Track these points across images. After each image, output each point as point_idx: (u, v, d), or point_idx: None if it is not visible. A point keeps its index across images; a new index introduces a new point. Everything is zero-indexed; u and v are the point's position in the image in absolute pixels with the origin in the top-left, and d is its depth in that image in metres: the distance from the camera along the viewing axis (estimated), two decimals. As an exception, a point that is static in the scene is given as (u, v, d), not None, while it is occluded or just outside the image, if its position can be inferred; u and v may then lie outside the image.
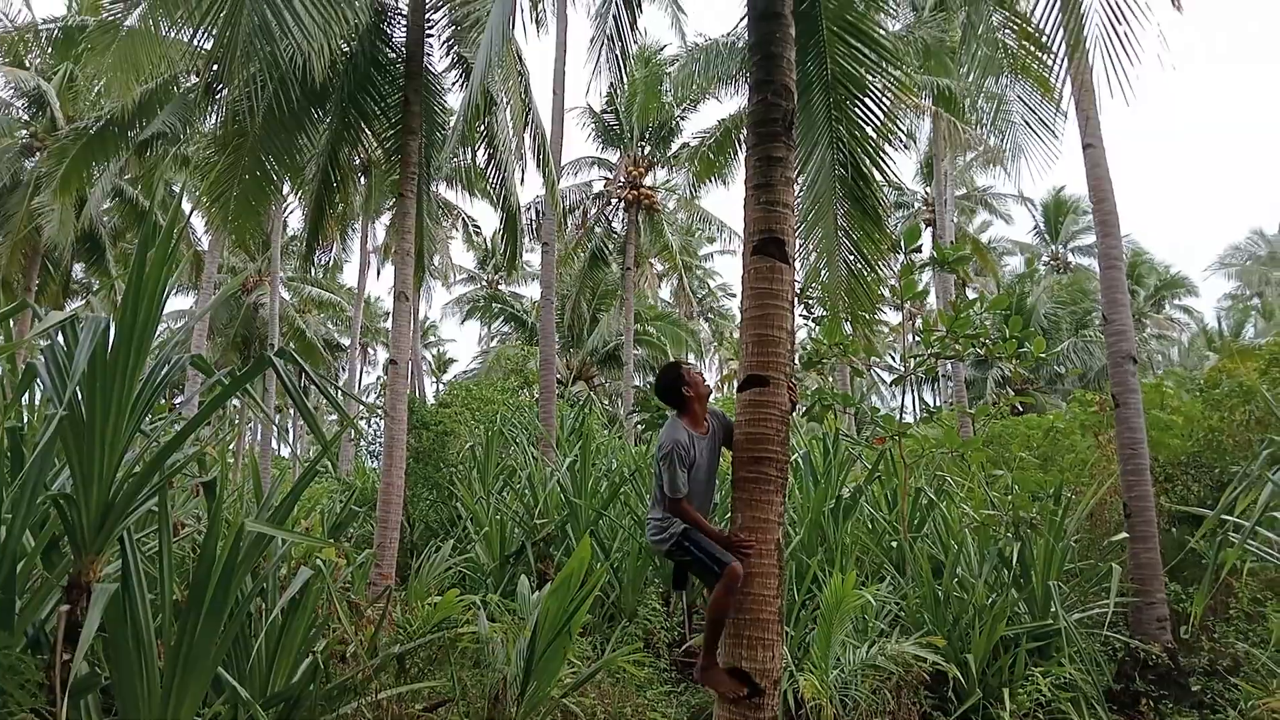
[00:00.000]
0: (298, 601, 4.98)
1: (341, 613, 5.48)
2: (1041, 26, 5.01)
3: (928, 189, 32.14)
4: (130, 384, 4.05)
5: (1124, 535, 9.07)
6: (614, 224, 28.49)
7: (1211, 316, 37.97)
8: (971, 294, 34.74)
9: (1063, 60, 4.91)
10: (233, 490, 10.27)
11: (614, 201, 27.91)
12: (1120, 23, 3.88)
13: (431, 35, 11.13)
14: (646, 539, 4.86)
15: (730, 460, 4.66)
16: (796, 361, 8.84)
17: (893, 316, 28.48)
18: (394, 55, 11.06)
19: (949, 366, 23.54)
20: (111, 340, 4.02)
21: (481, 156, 12.36)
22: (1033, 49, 6.58)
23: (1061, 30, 4.75)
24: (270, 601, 4.97)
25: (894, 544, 9.36)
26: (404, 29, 10.87)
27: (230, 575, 4.02)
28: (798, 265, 7.02)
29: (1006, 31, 6.90)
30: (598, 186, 28.60)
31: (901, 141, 8.08)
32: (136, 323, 4.03)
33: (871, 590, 7.69)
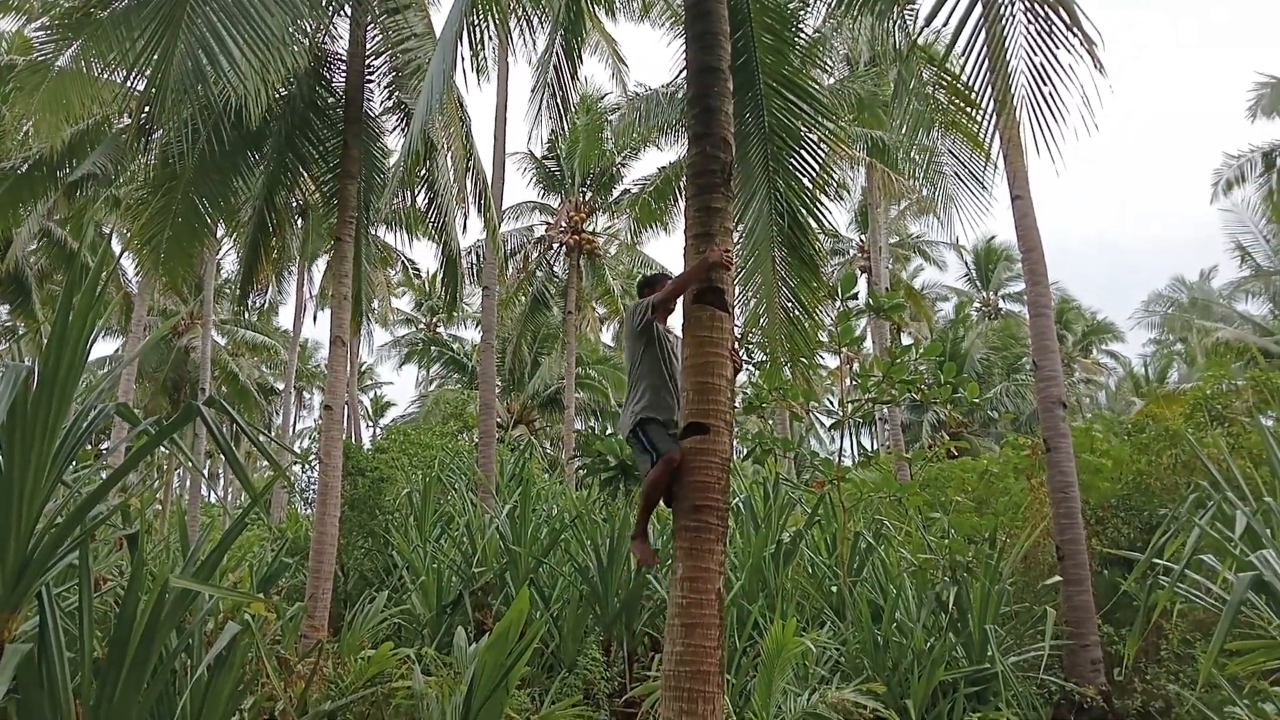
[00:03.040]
0: (224, 658, 4.81)
1: (270, 669, 5.31)
2: (970, 84, 5.17)
3: (863, 236, 32.79)
4: (52, 434, 3.91)
5: (1058, 579, 9.21)
6: (556, 268, 28.52)
7: (1137, 361, 39.11)
8: (906, 339, 35.43)
9: (991, 116, 5.05)
10: (159, 541, 9.96)
11: (556, 246, 27.97)
12: (1045, 84, 4.03)
13: (372, 81, 11.12)
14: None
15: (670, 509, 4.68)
16: (738, 404, 8.90)
17: (830, 360, 28.88)
18: (333, 100, 11.02)
19: (885, 411, 23.87)
20: (34, 388, 3.88)
21: (422, 200, 12.32)
22: (962, 105, 6.79)
23: (990, 88, 4.89)
24: (195, 658, 4.80)
25: (834, 589, 9.38)
26: (343, 74, 10.84)
27: (154, 632, 3.88)
28: (737, 311, 7.11)
29: (937, 88, 7.11)
30: (539, 231, 28.65)
31: (837, 191, 8.26)
32: (60, 370, 3.90)
33: (812, 636, 7.69)
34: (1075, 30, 3.94)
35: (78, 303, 3.94)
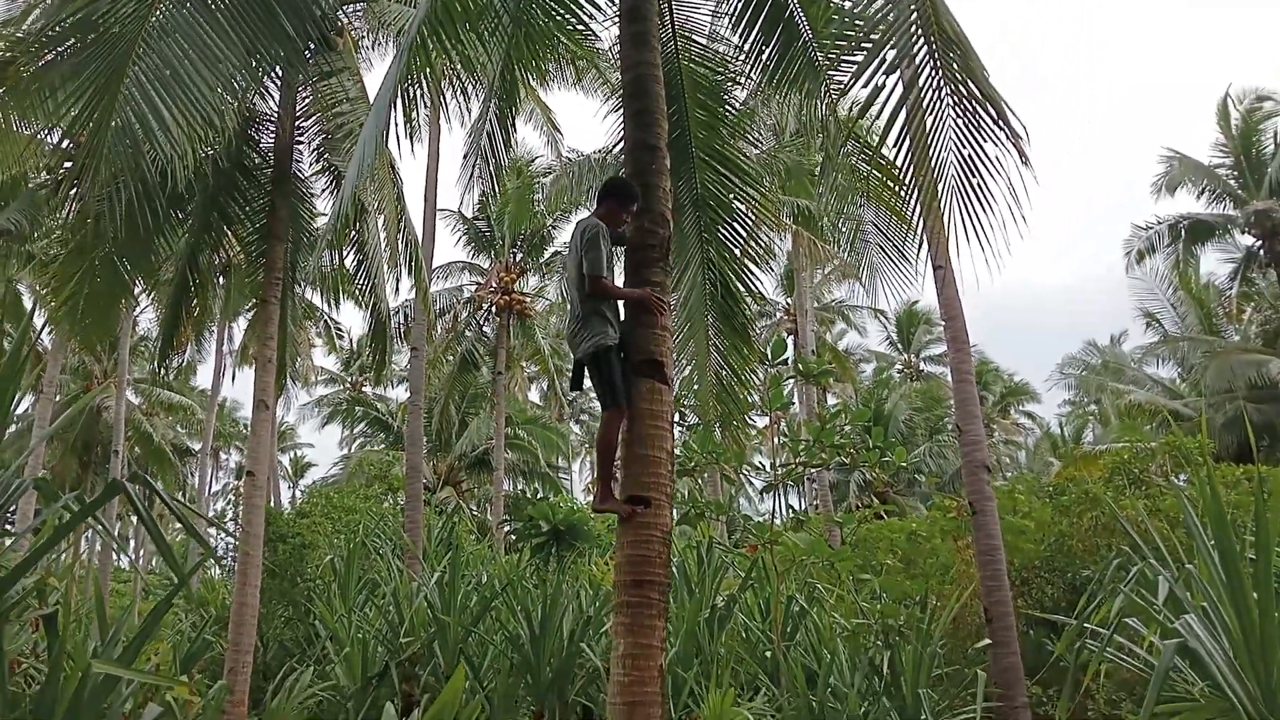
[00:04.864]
0: (142, 744, 4.59)
1: (191, 755, 5.08)
2: (896, 165, 5.35)
3: (789, 299, 33.38)
4: (-37, 513, 3.73)
5: (987, 641, 9.32)
6: (485, 328, 28.40)
7: (1054, 422, 40.31)
8: (831, 399, 35.94)
9: (914, 193, 5.19)
10: (73, 618, 9.47)
11: (486, 306, 27.89)
12: (973, 175, 4.20)
13: (301, 142, 11.04)
14: (566, 336, 5.22)
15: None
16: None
17: (759, 420, 29.12)
18: (260, 160, 10.89)
19: (814, 471, 24.11)
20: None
21: (350, 261, 12.19)
22: (886, 180, 7.02)
23: (913, 170, 5.03)
24: (111, 745, 4.56)
25: (768, 654, 9.35)
26: (272, 135, 10.74)
27: (75, 718, 3.69)
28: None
29: (862, 162, 7.35)
30: (469, 291, 28.57)
31: (766, 260, 8.44)
32: (-27, 447, 3.74)
33: (747, 705, 7.63)
34: (1002, 125, 4.12)
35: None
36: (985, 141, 4.19)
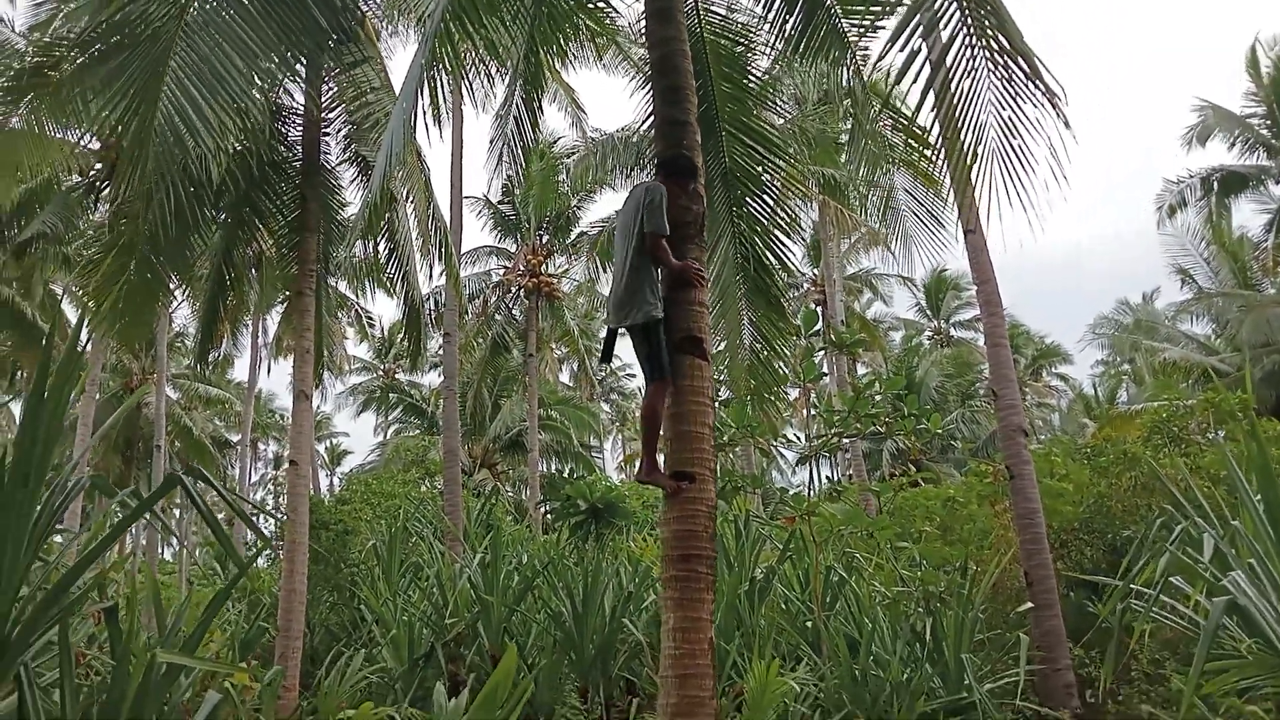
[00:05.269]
0: (206, 729, 4.72)
1: (253, 737, 5.22)
2: (928, 129, 5.33)
3: (815, 270, 33.22)
4: (29, 512, 3.85)
5: (1029, 605, 9.32)
6: (514, 311, 28.54)
7: (1087, 383, 39.92)
8: (861, 368, 35.79)
9: (947, 156, 5.17)
10: (129, 610, 9.70)
11: (514, 289, 28.01)
12: (1014, 136, 4.18)
13: (328, 134, 11.13)
14: (613, 309, 5.08)
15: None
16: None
17: (790, 393, 29.06)
18: (289, 154, 10.99)
19: (847, 441, 24.08)
20: (8, 466, 3.82)
21: (383, 250, 12.29)
22: (917, 146, 6.98)
23: (942, 132, 5.02)
24: (175, 731, 4.70)
25: (808, 624, 9.41)
26: (299, 128, 10.84)
27: (140, 708, 3.81)
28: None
29: (892, 130, 7.31)
30: (496, 275, 28.70)
31: (796, 231, 8.40)
32: (36, 447, 3.85)
33: (789, 675, 7.70)
34: (1036, 82, 4.08)
35: (51, 380, 3.88)
36: (1024, 102, 4.15)
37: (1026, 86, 4.14)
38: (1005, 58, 4.16)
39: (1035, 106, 4.09)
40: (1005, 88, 4.20)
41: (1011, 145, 4.18)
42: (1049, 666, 8.99)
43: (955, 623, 8.31)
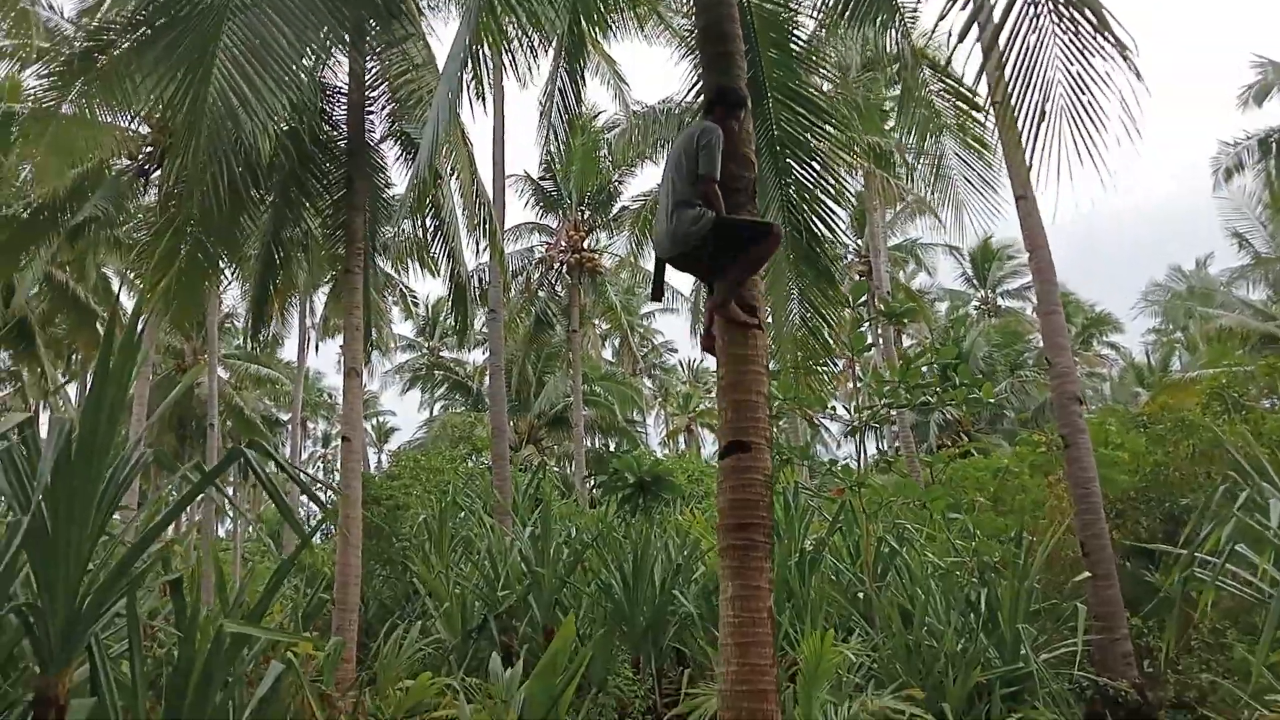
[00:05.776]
0: (269, 697, 4.81)
1: (316, 706, 5.31)
2: (993, 93, 5.20)
3: (859, 240, 32.86)
4: (94, 488, 3.92)
5: (1086, 575, 9.20)
6: (557, 287, 28.59)
7: (1138, 351, 39.14)
8: (906, 339, 35.41)
9: (1004, 118, 5.05)
10: (194, 583, 9.91)
11: (557, 265, 28.04)
12: (1084, 92, 4.05)
13: (373, 112, 11.16)
14: (664, 237, 4.90)
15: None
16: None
17: (835, 363, 28.81)
18: (335, 132, 11.06)
19: (894, 413, 23.89)
20: (75, 444, 3.90)
21: (429, 227, 12.35)
22: (968, 110, 6.84)
23: (997, 95, 4.90)
24: (239, 700, 4.79)
25: (860, 595, 9.37)
26: (343, 107, 10.88)
27: (209, 678, 3.88)
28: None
29: (941, 95, 7.16)
30: (539, 251, 28.75)
31: (845, 199, 8.25)
32: (100, 425, 3.92)
33: (844, 646, 7.67)
34: (1105, 34, 3.95)
35: (115, 359, 3.95)
36: (1092, 56, 4.01)
37: (1095, 39, 4.01)
38: (1072, 9, 4.03)
39: (1105, 60, 3.96)
40: (1073, 40, 4.07)
41: (1081, 101, 4.05)
42: (1106, 636, 8.88)
43: (1011, 593, 8.22)
